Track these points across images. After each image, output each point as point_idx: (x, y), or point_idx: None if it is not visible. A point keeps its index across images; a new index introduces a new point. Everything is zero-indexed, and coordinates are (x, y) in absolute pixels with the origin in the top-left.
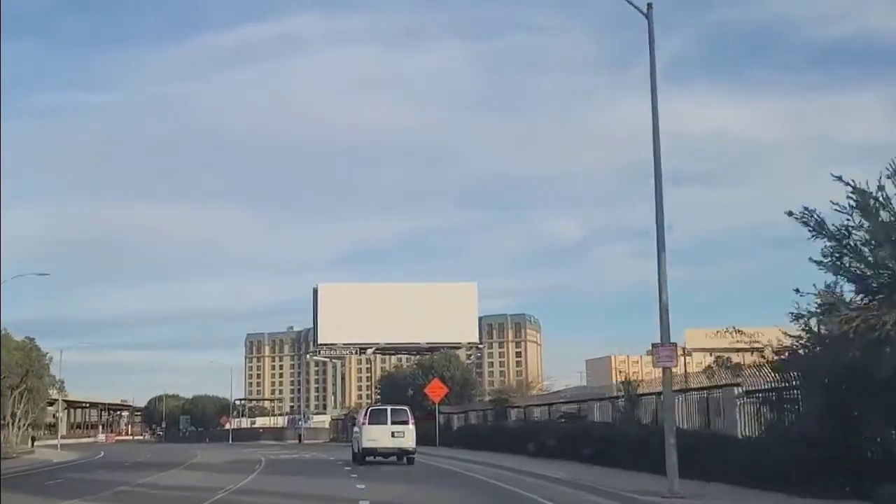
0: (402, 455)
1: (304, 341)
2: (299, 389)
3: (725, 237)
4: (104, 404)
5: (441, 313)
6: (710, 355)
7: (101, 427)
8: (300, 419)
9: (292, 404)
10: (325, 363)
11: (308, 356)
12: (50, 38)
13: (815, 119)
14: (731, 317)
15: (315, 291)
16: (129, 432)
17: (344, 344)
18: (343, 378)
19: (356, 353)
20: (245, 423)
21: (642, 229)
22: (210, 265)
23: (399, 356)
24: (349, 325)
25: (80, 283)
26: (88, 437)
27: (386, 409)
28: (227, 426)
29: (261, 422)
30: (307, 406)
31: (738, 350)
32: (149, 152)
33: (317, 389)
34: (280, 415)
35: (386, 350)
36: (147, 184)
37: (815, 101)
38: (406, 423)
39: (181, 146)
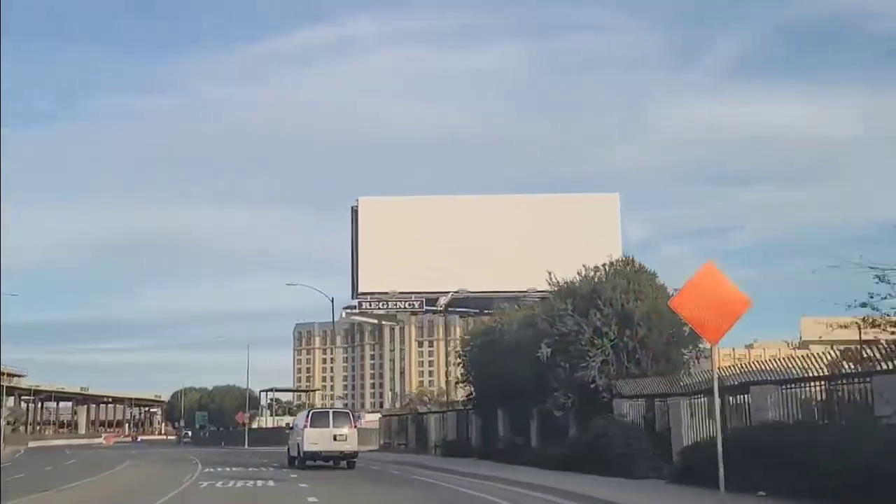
0: (343, 459)
1: (359, 331)
2: (353, 385)
3: (799, 236)
4: (131, 399)
5: (560, 239)
6: (832, 347)
7: (128, 425)
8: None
9: (345, 401)
10: (376, 331)
11: (343, 313)
12: (108, 43)
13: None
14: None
15: (353, 212)
16: (163, 431)
17: (399, 293)
18: (403, 360)
19: (418, 307)
20: (273, 421)
21: (704, 228)
22: (261, 265)
23: (489, 314)
24: (407, 263)
25: (131, 284)
26: (115, 436)
27: (328, 412)
28: (247, 425)
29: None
30: (361, 404)
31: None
32: (203, 155)
33: (373, 384)
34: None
35: (466, 303)
36: (200, 186)
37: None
38: (348, 426)
39: (235, 148)
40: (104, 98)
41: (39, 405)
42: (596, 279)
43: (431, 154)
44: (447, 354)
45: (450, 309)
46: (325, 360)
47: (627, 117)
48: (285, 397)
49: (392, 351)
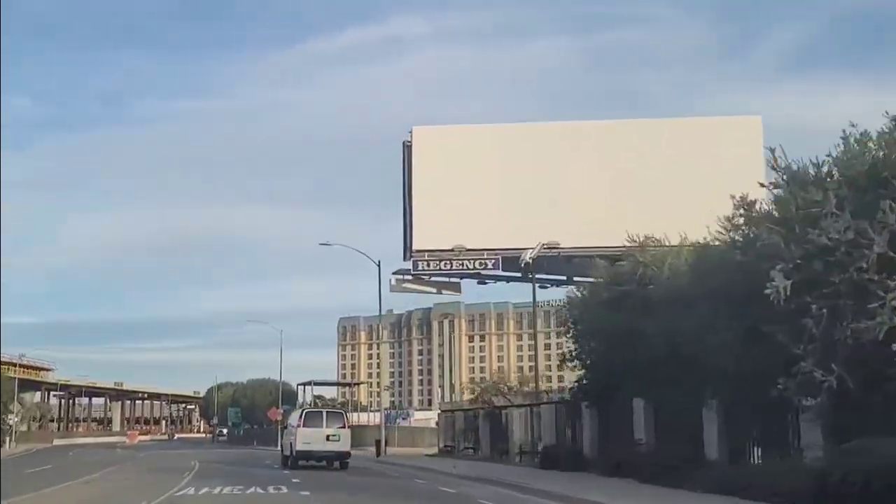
0: (336, 459)
1: (405, 324)
2: (400, 382)
3: None
4: (167, 396)
5: (685, 174)
6: None
7: (165, 423)
8: (397, 415)
9: (393, 398)
10: (424, 324)
11: (393, 280)
12: (158, 47)
13: None
14: None
15: (406, 149)
16: (203, 429)
17: (467, 250)
18: (452, 354)
19: (492, 266)
20: None
21: None
22: (311, 265)
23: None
24: (476, 212)
25: (182, 284)
26: (145, 434)
27: (321, 412)
28: (280, 422)
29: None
30: (409, 401)
31: None
32: (248, 156)
33: (421, 381)
34: (376, 410)
35: (556, 267)
36: (248, 186)
37: None
38: (342, 426)
39: (279, 149)
40: (149, 102)
41: (71, 401)
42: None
43: None
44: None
45: (536, 276)
46: (370, 356)
47: (675, 113)
48: (328, 393)
49: (441, 346)
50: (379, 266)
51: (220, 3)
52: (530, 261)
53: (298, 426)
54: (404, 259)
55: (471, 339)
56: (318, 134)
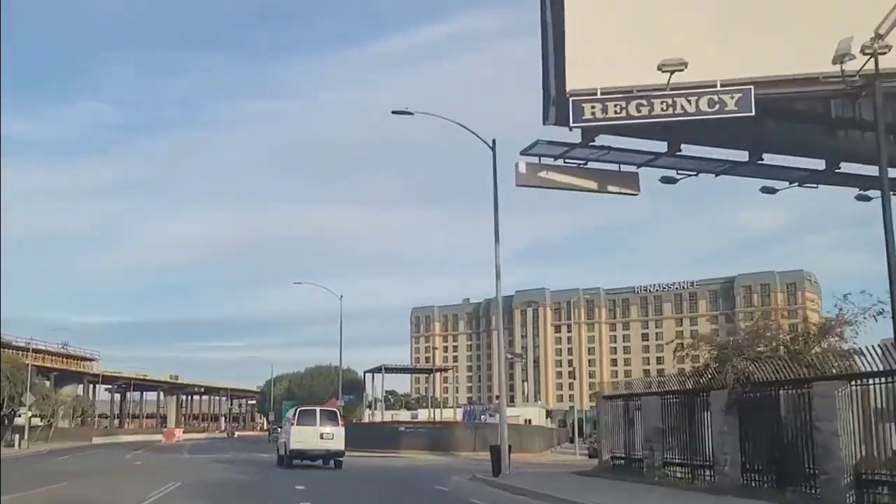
0: (330, 458)
1: (483, 314)
2: (479, 377)
3: None
4: (227, 390)
5: None
6: None
7: (224, 419)
8: (482, 410)
9: (470, 395)
10: (505, 313)
11: (522, 164)
12: (233, 50)
13: None
14: None
15: None
16: (266, 426)
17: (652, 89)
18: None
19: (707, 108)
20: (387, 416)
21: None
22: (385, 265)
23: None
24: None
25: (256, 284)
26: (200, 431)
27: (315, 410)
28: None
29: (422, 415)
30: (489, 397)
31: None
32: (324, 156)
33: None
34: (449, 407)
35: None
36: (320, 187)
37: None
38: (335, 424)
39: (355, 149)
40: (225, 104)
41: (122, 396)
42: None
43: None
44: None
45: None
46: (446, 349)
47: None
48: (401, 387)
49: (524, 337)
50: (494, 147)
51: (292, 6)
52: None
53: (292, 424)
54: (545, 119)
55: (557, 328)
56: (391, 132)
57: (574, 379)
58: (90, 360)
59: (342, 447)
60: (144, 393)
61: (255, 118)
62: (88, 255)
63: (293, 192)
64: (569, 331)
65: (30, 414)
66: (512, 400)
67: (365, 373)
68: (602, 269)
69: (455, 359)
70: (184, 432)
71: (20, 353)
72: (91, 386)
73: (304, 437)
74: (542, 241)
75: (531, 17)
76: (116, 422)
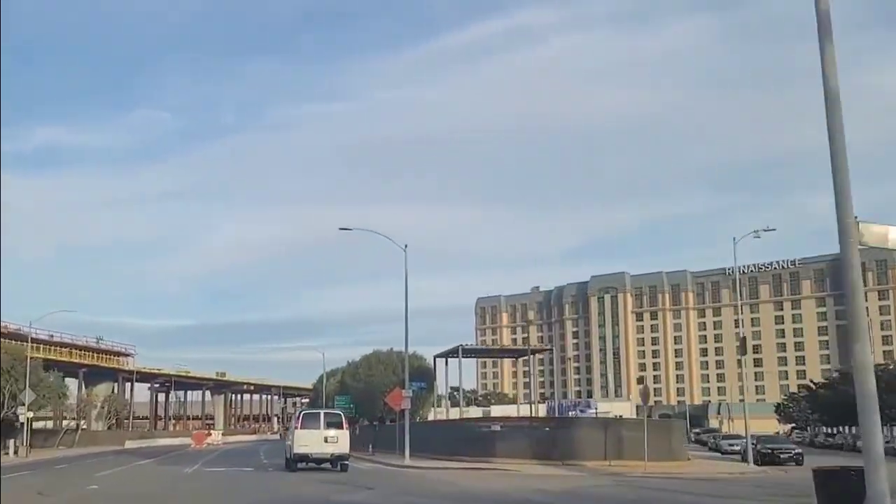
0: (335, 461)
1: (555, 302)
2: (552, 371)
3: None
4: (278, 388)
5: None
6: None
7: (276, 419)
8: (573, 406)
9: (543, 390)
10: (580, 301)
11: None
12: (286, 55)
13: None
14: None
15: None
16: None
17: None
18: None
19: None
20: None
21: None
22: (441, 264)
23: None
24: None
25: (314, 285)
26: (246, 433)
27: (319, 413)
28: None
29: (495, 412)
30: (564, 393)
31: None
32: (381, 155)
33: (577, 368)
34: (525, 402)
35: None
36: (378, 186)
37: None
38: (340, 427)
39: (412, 147)
40: (281, 107)
41: (164, 395)
42: None
43: (615, 142)
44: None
45: None
46: (514, 341)
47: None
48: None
49: (602, 326)
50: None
51: (345, 8)
52: None
53: (296, 428)
54: None
55: (638, 316)
56: (449, 129)
57: (659, 371)
58: (125, 355)
59: (347, 450)
60: (190, 392)
61: (311, 120)
62: (150, 260)
63: (350, 192)
64: (652, 318)
65: (30, 414)
66: (590, 395)
67: (436, 357)
68: (687, 251)
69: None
70: (231, 434)
71: (41, 346)
72: (127, 384)
73: (308, 440)
74: (619, 227)
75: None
76: (160, 423)
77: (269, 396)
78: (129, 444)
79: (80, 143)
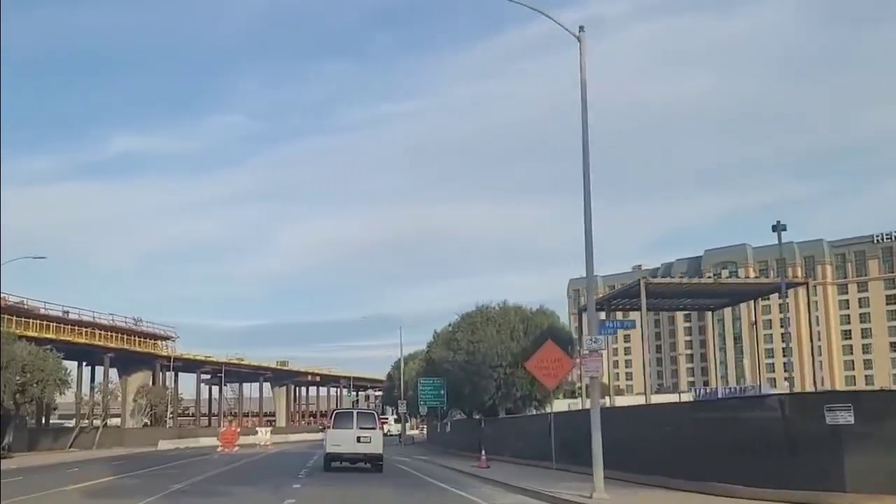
0: (368, 461)
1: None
2: (661, 359)
3: None
4: (347, 378)
5: None
6: None
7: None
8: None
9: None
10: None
11: None
12: (358, 56)
13: None
14: None
15: None
16: (416, 425)
17: None
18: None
19: None
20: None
21: None
22: (515, 259)
23: None
24: None
25: (391, 282)
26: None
27: (352, 413)
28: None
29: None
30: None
31: None
32: (455, 152)
33: (691, 355)
34: (664, 391)
35: None
36: (452, 183)
37: None
38: (373, 427)
39: (485, 143)
40: (354, 108)
41: (217, 388)
42: None
43: (691, 130)
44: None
45: None
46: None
47: None
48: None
49: None
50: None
51: (412, 7)
52: None
53: (328, 427)
54: None
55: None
56: (524, 124)
57: (787, 357)
58: (164, 338)
59: (380, 450)
60: (248, 385)
61: (385, 120)
62: (224, 262)
63: (425, 190)
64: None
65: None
66: (705, 384)
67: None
68: (826, 216)
69: (626, 337)
70: (293, 432)
71: (49, 325)
72: (166, 373)
73: (340, 440)
74: (699, 215)
75: None
76: (210, 420)
77: (339, 389)
78: (163, 445)
79: (155, 150)
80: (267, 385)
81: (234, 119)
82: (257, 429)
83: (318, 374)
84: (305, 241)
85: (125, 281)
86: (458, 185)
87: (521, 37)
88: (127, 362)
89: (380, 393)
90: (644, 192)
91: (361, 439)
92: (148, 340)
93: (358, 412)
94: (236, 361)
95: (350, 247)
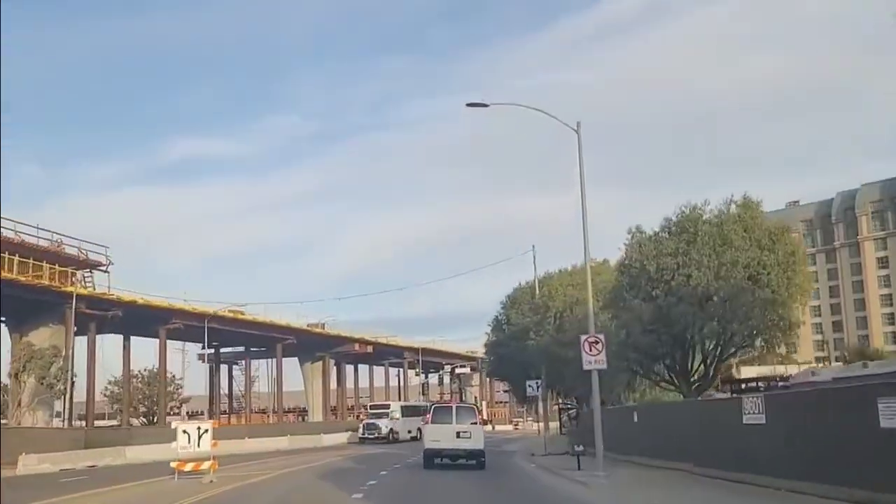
0: (469, 457)
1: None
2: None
3: None
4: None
5: None
6: None
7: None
8: None
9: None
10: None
11: None
12: (420, 51)
13: None
14: None
15: None
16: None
17: None
18: None
19: None
20: None
21: None
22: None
23: None
24: None
25: (458, 278)
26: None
27: (451, 407)
28: None
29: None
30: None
31: None
32: (516, 146)
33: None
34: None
35: None
36: (519, 177)
37: None
38: (474, 421)
39: (548, 135)
40: (415, 104)
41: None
42: None
43: (762, 114)
44: None
45: None
46: None
47: None
48: None
49: (885, 264)
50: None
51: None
52: None
53: (426, 423)
54: None
55: None
56: (585, 115)
57: None
58: (86, 266)
59: (481, 446)
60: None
61: (447, 115)
62: (290, 262)
63: (489, 184)
64: None
65: None
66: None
67: None
68: None
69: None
70: (333, 430)
71: None
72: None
73: (439, 435)
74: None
75: None
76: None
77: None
78: (249, 442)
79: (217, 153)
80: (294, 361)
81: (292, 119)
82: (175, 424)
83: (369, 343)
84: (370, 239)
85: (191, 283)
86: (526, 178)
87: (577, 25)
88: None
89: (466, 369)
90: (712, 180)
91: (461, 434)
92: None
93: (457, 406)
94: (232, 315)
95: (417, 242)
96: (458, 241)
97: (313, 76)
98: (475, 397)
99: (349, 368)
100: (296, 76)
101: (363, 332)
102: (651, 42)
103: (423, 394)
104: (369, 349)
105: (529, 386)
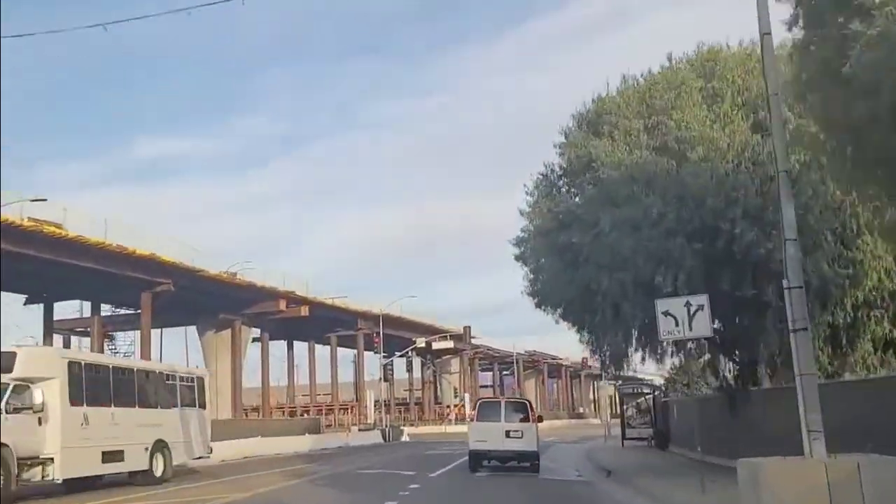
0: (521, 460)
1: None
2: None
3: None
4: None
5: None
6: None
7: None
8: None
9: None
10: None
11: None
12: (382, 53)
13: None
14: None
15: None
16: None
17: None
18: None
19: None
20: None
21: None
22: None
23: None
24: None
25: (430, 279)
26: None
27: (499, 402)
28: None
29: None
30: None
31: None
32: (481, 147)
33: None
34: None
35: None
36: (484, 176)
37: None
38: (525, 419)
39: (517, 136)
40: (379, 105)
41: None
42: None
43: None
44: None
45: None
46: None
47: None
48: None
49: None
50: None
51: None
52: None
53: (472, 420)
54: None
55: None
56: (558, 116)
57: None
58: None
59: (535, 447)
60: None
61: (412, 116)
62: (258, 264)
63: (452, 184)
64: None
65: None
66: None
67: None
68: None
69: None
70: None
71: None
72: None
73: (486, 435)
74: None
75: None
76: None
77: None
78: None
79: (183, 153)
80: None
81: (257, 120)
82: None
83: (303, 301)
84: (338, 240)
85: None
86: (494, 178)
87: (547, 26)
88: None
89: (449, 342)
90: None
91: (511, 434)
92: None
93: (506, 401)
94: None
95: (383, 244)
96: (426, 242)
97: (280, 78)
98: (454, 388)
99: (281, 345)
100: (263, 77)
101: (296, 287)
102: (619, 42)
103: (385, 380)
104: (304, 311)
105: (668, 317)
